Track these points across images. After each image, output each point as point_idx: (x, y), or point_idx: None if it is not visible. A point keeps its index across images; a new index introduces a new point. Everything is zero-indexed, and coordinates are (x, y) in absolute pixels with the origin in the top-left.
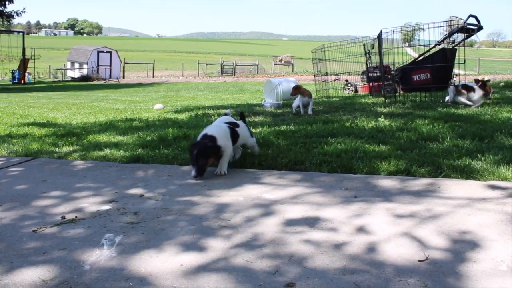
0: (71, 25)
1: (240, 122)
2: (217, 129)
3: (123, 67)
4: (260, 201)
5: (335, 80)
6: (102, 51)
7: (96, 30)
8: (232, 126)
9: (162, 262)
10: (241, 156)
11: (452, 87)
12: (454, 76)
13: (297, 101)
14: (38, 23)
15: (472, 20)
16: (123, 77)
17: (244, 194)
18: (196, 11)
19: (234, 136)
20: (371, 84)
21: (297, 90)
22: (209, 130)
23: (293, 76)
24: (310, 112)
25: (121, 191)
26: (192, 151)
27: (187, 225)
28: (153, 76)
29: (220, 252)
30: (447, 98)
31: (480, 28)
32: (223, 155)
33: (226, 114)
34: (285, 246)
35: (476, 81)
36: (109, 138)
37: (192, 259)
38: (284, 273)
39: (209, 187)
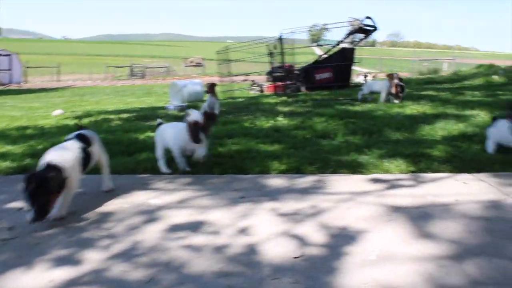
0: None
1: (93, 134)
2: (64, 153)
3: (25, 71)
4: (146, 207)
5: (244, 80)
6: (0, 54)
7: None
8: (85, 145)
9: (32, 278)
10: (133, 161)
11: (369, 82)
12: (367, 74)
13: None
14: None
15: (368, 22)
16: (26, 82)
17: (130, 200)
18: (105, 13)
19: (87, 159)
20: (275, 83)
21: (211, 88)
22: (52, 155)
23: (204, 77)
24: (217, 112)
25: None
26: (26, 186)
27: (65, 237)
28: (59, 81)
29: (95, 264)
30: (360, 93)
31: (375, 29)
32: (67, 191)
33: (159, 124)
34: (163, 253)
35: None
36: None
37: (65, 273)
38: (159, 281)
39: (93, 195)
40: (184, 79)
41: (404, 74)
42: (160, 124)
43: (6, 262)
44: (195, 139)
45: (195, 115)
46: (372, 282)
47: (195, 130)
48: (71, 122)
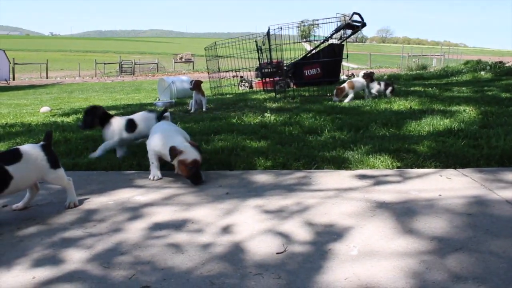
0: None
1: (32, 148)
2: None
3: (13, 68)
4: (131, 204)
5: (233, 76)
6: None
7: None
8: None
9: (14, 276)
10: (120, 159)
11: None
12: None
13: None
14: None
15: (356, 18)
16: (14, 79)
17: (115, 198)
18: (93, 9)
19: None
20: (264, 80)
21: (197, 85)
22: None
23: (194, 73)
24: (204, 109)
25: None
26: None
27: (48, 235)
28: (47, 77)
29: (78, 262)
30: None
31: (363, 25)
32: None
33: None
34: (146, 251)
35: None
36: None
37: (47, 271)
38: (141, 277)
39: (79, 193)
40: (173, 75)
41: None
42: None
43: None
44: (197, 180)
45: (191, 153)
46: (353, 277)
47: (196, 171)
48: (58, 119)
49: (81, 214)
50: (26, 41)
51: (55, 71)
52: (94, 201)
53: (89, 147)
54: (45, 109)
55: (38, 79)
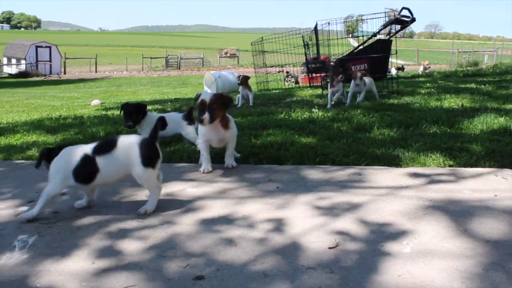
0: (7, 19)
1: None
2: None
3: (64, 62)
4: (183, 197)
5: (279, 71)
6: (41, 46)
7: (35, 24)
8: None
9: (74, 261)
10: (169, 151)
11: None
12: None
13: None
14: None
15: (405, 12)
16: (65, 73)
17: (167, 190)
18: (140, 4)
19: None
20: (310, 75)
21: (244, 80)
22: None
23: (239, 68)
24: (251, 104)
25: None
26: None
27: (105, 224)
28: (96, 71)
29: (134, 251)
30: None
31: (413, 20)
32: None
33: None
34: (199, 243)
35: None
36: (38, 137)
37: (105, 258)
38: (195, 268)
39: (133, 184)
40: (218, 70)
41: (442, 67)
42: None
43: (50, 244)
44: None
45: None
46: (406, 274)
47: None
48: (109, 112)
49: (135, 205)
50: (76, 37)
51: (104, 65)
52: (147, 193)
53: None
54: (96, 102)
55: (87, 73)
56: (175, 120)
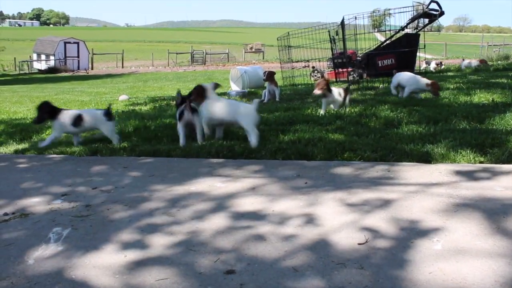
0: (37, 16)
1: None
2: None
3: (92, 58)
4: (212, 192)
5: (304, 67)
6: (69, 42)
7: (63, 20)
8: None
9: (107, 254)
10: (197, 145)
11: (396, 74)
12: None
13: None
14: (1, 14)
15: (433, 6)
16: (92, 68)
17: (196, 185)
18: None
19: None
20: (336, 70)
21: (270, 76)
22: None
23: (264, 63)
24: (277, 99)
25: (75, 185)
26: None
27: (136, 218)
28: (123, 67)
29: (164, 245)
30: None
31: (441, 13)
32: None
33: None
34: (229, 238)
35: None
36: None
37: (137, 251)
38: (225, 262)
39: (162, 179)
40: (244, 65)
41: (472, 61)
42: None
43: (84, 237)
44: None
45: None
46: (437, 271)
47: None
48: (136, 107)
49: (165, 200)
50: (103, 32)
51: (130, 60)
52: (177, 188)
53: (168, 134)
54: (123, 97)
55: (114, 69)
56: (94, 117)
